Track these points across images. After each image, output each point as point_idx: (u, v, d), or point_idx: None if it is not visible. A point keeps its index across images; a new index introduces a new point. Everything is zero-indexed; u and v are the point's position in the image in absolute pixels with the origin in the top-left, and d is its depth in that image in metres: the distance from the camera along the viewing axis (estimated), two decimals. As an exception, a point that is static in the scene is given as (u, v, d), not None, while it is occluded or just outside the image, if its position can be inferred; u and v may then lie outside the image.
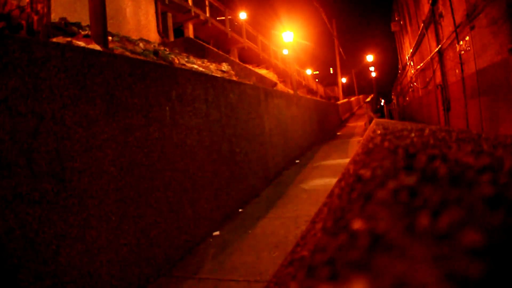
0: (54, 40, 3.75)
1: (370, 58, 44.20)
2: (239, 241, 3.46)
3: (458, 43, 8.47)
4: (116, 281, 2.36)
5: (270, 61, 19.24)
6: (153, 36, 10.90)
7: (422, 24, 12.41)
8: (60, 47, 2.19)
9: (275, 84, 12.11)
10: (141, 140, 2.83)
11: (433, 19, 10.74)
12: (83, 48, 2.49)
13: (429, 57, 12.06)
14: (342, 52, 34.29)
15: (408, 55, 17.96)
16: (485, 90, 7.06)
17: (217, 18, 15.83)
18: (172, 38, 12.47)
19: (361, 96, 45.41)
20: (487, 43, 6.57)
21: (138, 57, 5.31)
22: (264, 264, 2.86)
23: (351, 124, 20.49)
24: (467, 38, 7.74)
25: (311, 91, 26.42)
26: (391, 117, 19.35)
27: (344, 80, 49.64)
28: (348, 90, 55.00)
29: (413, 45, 15.55)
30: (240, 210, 4.48)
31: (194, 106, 3.70)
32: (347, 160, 6.44)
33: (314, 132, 11.20)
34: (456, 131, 0.92)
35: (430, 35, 11.66)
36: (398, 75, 25.98)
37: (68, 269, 2.00)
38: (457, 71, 8.96)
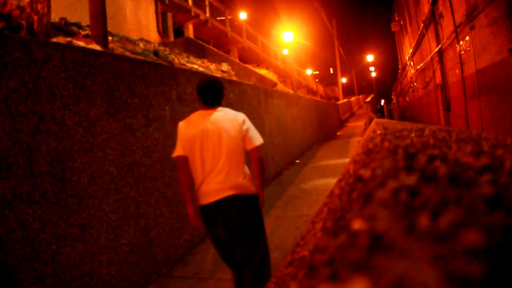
0: (54, 40, 3.75)
1: (370, 58, 44.21)
2: (239, 241, 3.46)
3: (458, 43, 8.47)
4: (116, 281, 2.36)
5: (270, 61, 19.24)
6: (153, 36, 10.90)
7: (422, 24, 12.41)
8: (60, 47, 2.19)
9: (275, 84, 12.11)
10: (141, 140, 2.83)
11: (433, 19, 10.74)
12: (83, 48, 2.49)
13: (429, 57, 12.06)
14: (342, 52, 34.29)
15: (408, 55, 17.96)
16: (485, 90, 7.06)
17: (217, 18, 15.82)
18: (172, 38, 12.47)
19: (361, 96, 45.43)
20: (487, 43, 6.57)
21: (138, 57, 5.31)
22: (264, 264, 2.85)
23: (351, 124, 20.49)
24: (467, 38, 7.75)
25: (311, 91, 26.42)
26: (391, 117, 19.34)
27: (344, 80, 49.67)
28: (348, 90, 55.03)
29: (413, 45, 15.55)
30: (240, 210, 4.48)
31: (194, 106, 3.70)
32: (347, 160, 6.43)
33: (314, 132, 11.20)
34: (456, 131, 0.93)
35: (430, 35, 11.66)
36: (398, 75, 25.99)
37: (68, 269, 2.00)
38: (457, 71, 8.96)
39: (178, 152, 2.06)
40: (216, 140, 2.01)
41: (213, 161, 2.00)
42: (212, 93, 2.11)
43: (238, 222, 2.01)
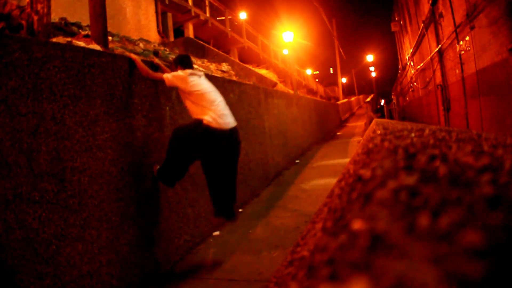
0: (54, 40, 3.74)
1: (370, 58, 44.21)
2: (239, 241, 3.46)
3: (458, 43, 8.47)
4: (116, 281, 2.36)
5: (270, 61, 19.23)
6: (153, 36, 10.90)
7: (422, 24, 12.42)
8: (60, 47, 2.19)
9: (275, 84, 12.11)
10: (142, 140, 2.83)
11: (433, 19, 10.74)
12: (83, 48, 2.49)
13: (429, 57, 12.06)
14: (342, 52, 34.28)
15: (408, 55, 17.96)
16: (485, 90, 7.06)
17: (217, 18, 15.81)
18: (172, 38, 12.46)
19: (361, 96, 45.44)
20: (487, 43, 6.57)
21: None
22: (264, 264, 2.85)
23: (351, 124, 20.50)
24: (467, 38, 7.75)
25: (311, 91, 26.41)
26: (391, 117, 19.34)
27: (344, 80, 49.68)
28: (348, 90, 55.04)
29: (413, 45, 15.55)
30: (240, 210, 4.48)
31: (194, 106, 3.69)
32: (347, 160, 6.43)
33: (314, 132, 11.20)
34: (456, 131, 0.93)
35: (430, 35, 11.66)
36: (398, 75, 26.00)
37: (68, 269, 2.00)
38: (457, 71, 8.96)
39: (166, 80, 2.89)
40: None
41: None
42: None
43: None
